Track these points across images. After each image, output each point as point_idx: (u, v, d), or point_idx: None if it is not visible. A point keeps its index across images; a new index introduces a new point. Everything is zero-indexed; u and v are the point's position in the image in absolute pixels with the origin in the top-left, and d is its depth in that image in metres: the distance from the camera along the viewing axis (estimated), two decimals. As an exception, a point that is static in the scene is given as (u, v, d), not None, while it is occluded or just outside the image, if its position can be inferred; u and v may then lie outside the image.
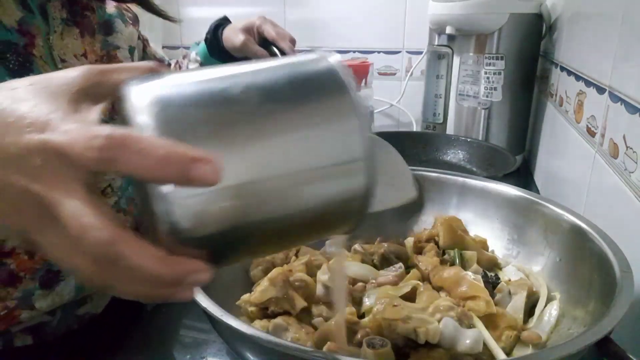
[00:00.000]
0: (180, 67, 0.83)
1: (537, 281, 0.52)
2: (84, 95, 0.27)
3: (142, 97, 0.25)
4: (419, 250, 0.59)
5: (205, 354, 0.52)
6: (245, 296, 0.50)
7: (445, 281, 0.49)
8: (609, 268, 0.43)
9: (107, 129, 0.23)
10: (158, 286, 0.24)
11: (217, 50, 0.78)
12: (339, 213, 0.29)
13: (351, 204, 0.29)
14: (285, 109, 0.27)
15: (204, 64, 0.78)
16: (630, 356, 0.34)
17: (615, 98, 0.57)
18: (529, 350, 0.44)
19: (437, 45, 1.11)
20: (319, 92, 0.28)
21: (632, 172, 0.50)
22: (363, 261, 0.56)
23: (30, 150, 0.24)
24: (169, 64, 0.86)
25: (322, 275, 0.49)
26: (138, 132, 0.24)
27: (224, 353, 0.52)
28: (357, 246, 0.58)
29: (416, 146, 1.07)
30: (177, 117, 0.25)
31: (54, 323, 0.57)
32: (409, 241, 0.60)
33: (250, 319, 0.48)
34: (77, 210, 0.23)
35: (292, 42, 0.75)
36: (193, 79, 0.27)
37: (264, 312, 0.48)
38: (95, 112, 0.27)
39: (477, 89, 1.06)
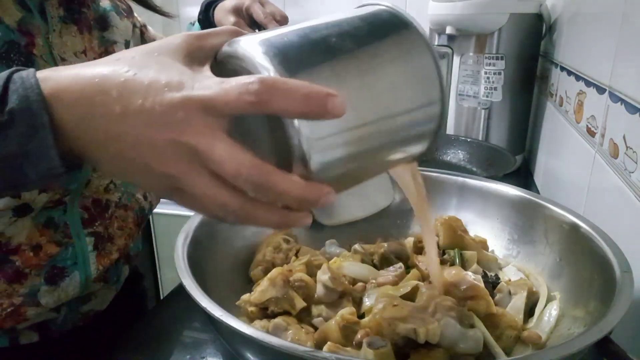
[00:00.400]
0: None
1: (537, 281, 0.52)
2: (191, 58, 0.31)
3: (258, 50, 0.29)
4: (419, 250, 0.59)
5: (205, 354, 0.52)
6: (245, 296, 0.50)
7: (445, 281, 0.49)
8: (609, 268, 0.43)
9: (255, 77, 0.27)
10: (296, 209, 0.29)
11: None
12: (421, 125, 0.34)
13: (430, 124, 0.34)
14: (374, 49, 0.32)
15: None
16: (630, 356, 0.34)
17: (615, 98, 0.57)
18: (529, 351, 0.44)
19: (437, 45, 1.11)
20: (395, 32, 0.33)
21: (632, 172, 0.50)
22: (363, 261, 0.56)
23: (174, 107, 0.27)
24: None
25: (322, 276, 0.49)
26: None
27: (224, 353, 0.52)
28: (357, 246, 0.58)
29: (416, 146, 1.07)
30: (295, 64, 0.29)
31: (59, 320, 0.58)
32: (409, 241, 0.60)
33: (250, 319, 0.48)
34: (229, 151, 0.27)
35: (283, 20, 0.73)
36: (289, 31, 0.31)
37: (264, 312, 0.48)
38: (208, 71, 0.31)
39: (477, 89, 1.06)
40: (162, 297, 0.78)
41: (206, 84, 0.28)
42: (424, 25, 1.13)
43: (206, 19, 0.78)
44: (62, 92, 0.29)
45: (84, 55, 0.55)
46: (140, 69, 0.29)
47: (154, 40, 0.77)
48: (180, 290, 0.43)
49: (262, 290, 0.48)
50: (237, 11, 0.75)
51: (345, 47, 0.31)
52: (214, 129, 0.27)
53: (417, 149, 0.36)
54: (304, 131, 0.28)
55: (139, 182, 0.31)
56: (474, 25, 1.02)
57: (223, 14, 0.76)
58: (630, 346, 0.36)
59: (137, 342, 0.56)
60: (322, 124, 0.28)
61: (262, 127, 0.31)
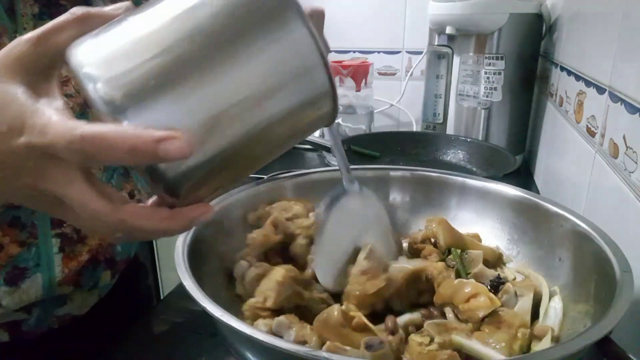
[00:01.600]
0: None
1: (537, 280, 0.52)
2: (34, 73, 0.28)
3: (89, 70, 0.26)
4: (416, 252, 0.59)
5: (205, 354, 0.52)
6: (251, 301, 0.48)
7: (444, 296, 0.49)
8: (609, 268, 0.43)
9: (79, 131, 0.25)
10: (172, 234, 0.29)
11: None
12: (310, 114, 0.31)
13: (321, 102, 0.30)
14: (231, 43, 0.27)
15: None
16: (630, 356, 0.34)
17: (615, 98, 0.57)
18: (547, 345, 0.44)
19: (437, 45, 1.11)
20: (258, 12, 0.27)
21: (632, 172, 0.50)
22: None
23: (22, 156, 0.26)
24: None
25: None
26: (98, 106, 0.26)
27: (224, 353, 0.52)
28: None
29: (416, 146, 1.07)
30: (130, 86, 0.26)
31: (31, 321, 0.56)
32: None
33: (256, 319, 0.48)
34: (82, 200, 0.27)
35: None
36: (130, 34, 0.27)
37: (274, 312, 0.48)
38: (55, 94, 0.28)
39: (477, 89, 1.06)
40: (162, 297, 0.78)
41: (44, 128, 0.25)
42: (424, 25, 1.13)
43: None
44: None
45: None
46: None
47: None
48: (180, 290, 0.43)
49: (278, 292, 0.47)
50: None
51: (194, 49, 0.26)
52: (66, 172, 0.27)
53: (313, 121, 0.31)
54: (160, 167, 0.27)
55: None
56: (474, 25, 1.02)
57: None
58: (630, 346, 0.36)
59: (136, 342, 0.56)
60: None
61: None
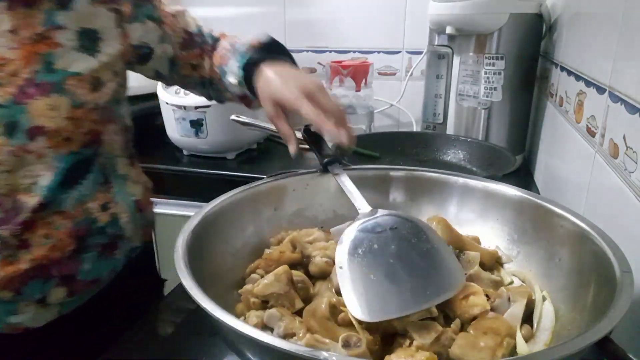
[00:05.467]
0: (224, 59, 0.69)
1: (532, 285, 0.52)
2: None
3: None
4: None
5: (205, 354, 0.52)
6: (248, 286, 0.51)
7: None
8: (609, 268, 0.43)
9: None
10: None
11: (252, 88, 0.65)
12: None
13: None
14: None
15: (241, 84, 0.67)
16: (630, 356, 0.34)
17: (615, 98, 0.57)
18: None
19: (437, 45, 1.11)
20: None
21: (632, 172, 0.50)
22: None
23: None
24: (210, 40, 0.73)
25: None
26: None
27: (224, 353, 0.52)
28: None
29: (416, 146, 1.07)
30: None
31: None
32: None
33: (248, 308, 0.50)
34: None
35: (340, 117, 0.58)
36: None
37: (264, 304, 0.49)
38: None
39: (477, 89, 1.06)
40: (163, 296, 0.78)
41: None
42: (424, 25, 1.13)
43: (248, 78, 0.65)
44: None
45: (14, 33, 0.52)
46: None
47: (182, 30, 0.69)
48: (180, 290, 0.43)
49: (267, 283, 0.49)
50: (278, 104, 0.60)
51: None
52: None
53: None
54: None
55: None
56: (474, 25, 1.02)
57: (266, 97, 0.61)
58: (630, 346, 0.36)
59: (136, 342, 0.56)
60: None
61: None
